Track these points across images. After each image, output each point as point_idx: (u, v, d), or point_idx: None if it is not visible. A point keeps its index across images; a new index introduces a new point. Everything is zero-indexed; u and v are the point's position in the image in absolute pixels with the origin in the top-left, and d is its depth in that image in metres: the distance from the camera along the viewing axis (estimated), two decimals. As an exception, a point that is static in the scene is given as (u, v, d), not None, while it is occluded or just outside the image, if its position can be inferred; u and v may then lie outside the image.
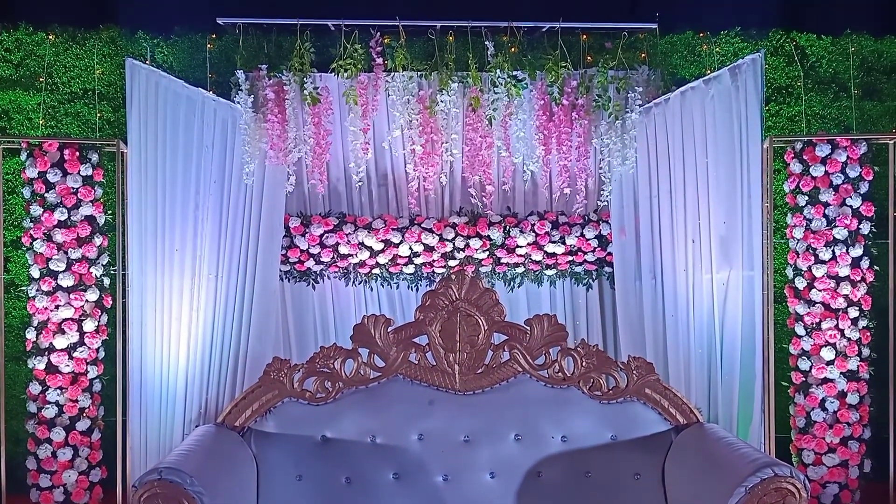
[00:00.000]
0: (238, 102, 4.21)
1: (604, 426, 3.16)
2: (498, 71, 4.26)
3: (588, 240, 4.44)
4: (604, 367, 3.21)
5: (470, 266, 4.45)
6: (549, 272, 4.54)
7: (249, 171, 4.21)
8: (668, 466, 3.08)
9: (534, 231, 4.43)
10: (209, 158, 4.23)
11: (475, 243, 4.44)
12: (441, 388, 3.24)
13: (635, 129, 4.24)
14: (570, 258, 4.47)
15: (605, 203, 4.38)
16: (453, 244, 4.45)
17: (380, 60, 4.25)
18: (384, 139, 4.37)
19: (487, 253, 4.46)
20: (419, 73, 4.33)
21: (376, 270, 4.53)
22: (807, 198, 4.23)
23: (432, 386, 3.24)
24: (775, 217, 4.35)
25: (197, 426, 4.14)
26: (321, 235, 4.42)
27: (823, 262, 4.16)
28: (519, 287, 4.57)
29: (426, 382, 3.24)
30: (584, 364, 3.21)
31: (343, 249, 4.44)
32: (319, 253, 4.45)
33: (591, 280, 4.58)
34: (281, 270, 4.43)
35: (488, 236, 4.44)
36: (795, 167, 4.25)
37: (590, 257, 4.48)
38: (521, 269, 4.53)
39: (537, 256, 4.45)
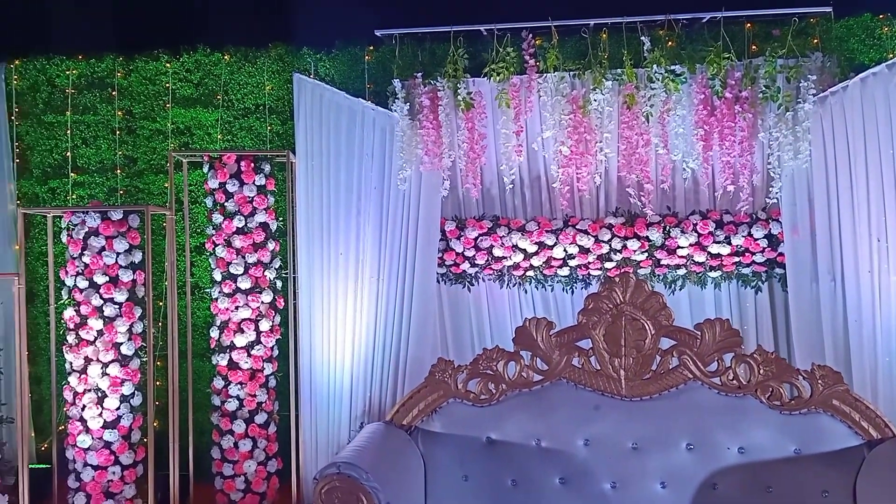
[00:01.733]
0: (395, 110, 4.35)
1: (786, 438, 2.97)
2: (655, 66, 4.13)
3: (756, 239, 4.20)
4: (784, 376, 3.02)
5: (627, 268, 4.34)
6: (714, 274, 4.34)
7: (404, 176, 4.33)
8: (860, 484, 2.85)
9: (696, 231, 4.25)
10: (369, 166, 4.39)
11: (633, 244, 4.33)
12: (607, 394, 3.18)
13: (809, 121, 3.97)
14: (736, 259, 4.26)
15: (775, 200, 4.13)
16: (609, 246, 4.36)
17: (532, 62, 4.24)
18: (535, 141, 4.35)
19: (646, 254, 4.34)
20: (571, 72, 4.29)
21: (530, 273, 4.53)
22: None
23: (597, 391, 3.19)
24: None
25: (362, 423, 4.34)
26: (475, 238, 4.48)
27: None
28: (680, 290, 4.40)
29: (591, 387, 3.20)
30: (761, 372, 3.03)
31: (497, 252, 4.47)
32: (474, 256, 4.50)
33: (760, 282, 4.33)
34: (437, 273, 4.53)
35: (647, 237, 4.31)
36: None
37: (758, 258, 4.24)
38: (682, 271, 4.37)
39: (700, 258, 4.27)
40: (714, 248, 4.24)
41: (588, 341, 3.22)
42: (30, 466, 4.14)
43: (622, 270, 4.34)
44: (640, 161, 4.23)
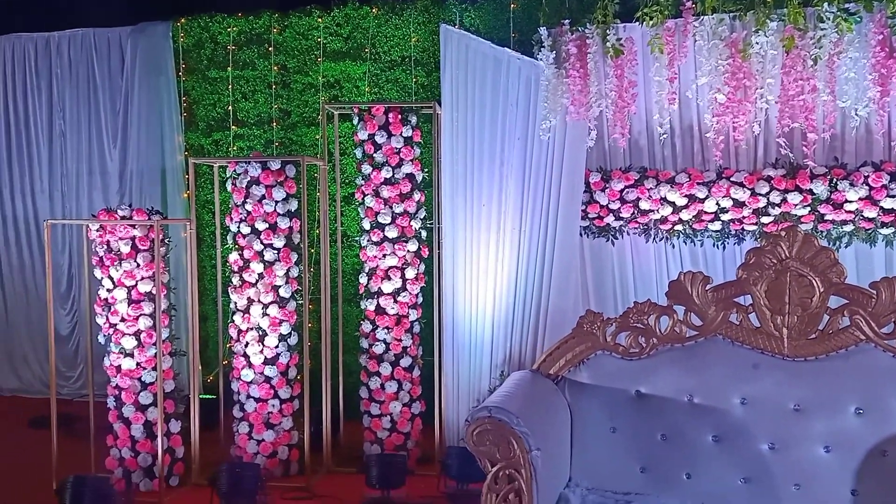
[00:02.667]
0: (540, 59, 4.27)
1: (969, 408, 2.75)
2: (826, 5, 3.80)
3: (938, 193, 3.85)
4: (971, 341, 2.78)
5: (786, 223, 4.10)
6: (885, 231, 4.02)
7: (548, 126, 4.27)
8: None
9: (867, 184, 3.94)
10: (514, 116, 4.36)
11: (794, 198, 4.08)
12: (767, 352, 3.04)
13: None
14: (913, 215, 3.92)
15: (963, 150, 3.75)
16: (767, 199, 4.13)
17: (689, 4, 4.01)
18: (689, 88, 4.15)
19: (808, 209, 4.08)
20: (731, 14, 4.03)
21: (679, 227, 4.38)
22: None
23: (756, 349, 3.06)
24: None
25: (502, 372, 4.42)
26: (621, 191, 4.37)
27: None
28: (846, 247, 4.12)
29: (749, 345, 3.07)
30: (945, 336, 2.80)
31: (644, 205, 4.35)
32: (619, 208, 4.40)
33: (939, 240, 3.99)
34: (580, 226, 4.47)
35: (810, 190, 4.05)
36: None
37: (939, 213, 3.89)
38: (849, 228, 4.08)
39: (871, 213, 3.97)
40: (887, 203, 3.92)
41: (747, 297, 3.08)
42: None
43: (780, 225, 4.11)
44: (805, 108, 3.94)
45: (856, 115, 3.91)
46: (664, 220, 4.36)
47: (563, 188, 4.36)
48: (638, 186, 4.34)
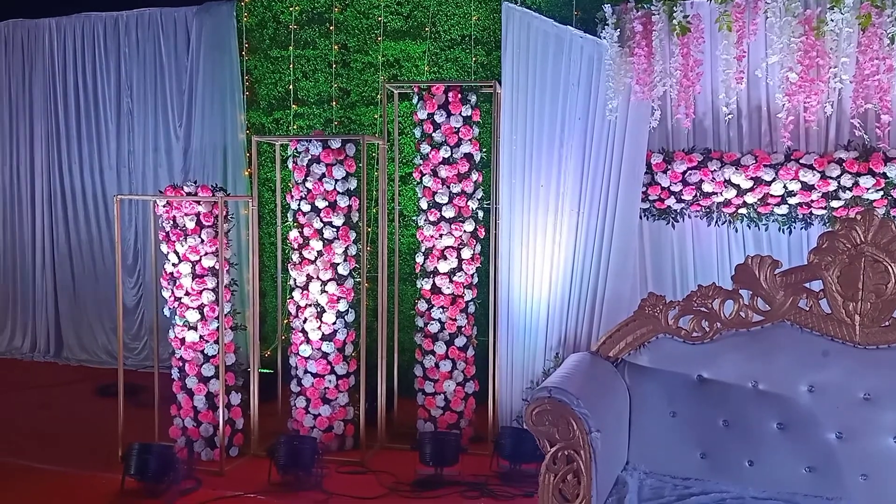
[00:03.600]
0: (604, 38, 4.20)
1: None
2: (907, -21, 3.63)
3: None
4: None
5: (857, 207, 3.95)
6: (965, 216, 3.85)
7: (613, 107, 4.20)
8: None
9: (947, 168, 3.77)
10: (574, 96, 4.30)
11: (866, 182, 3.93)
12: (837, 339, 2.95)
13: None
14: None
15: None
16: (838, 182, 3.99)
17: (761, -21, 3.89)
18: (758, 67, 4.02)
19: (882, 193, 3.92)
20: (807, -11, 3.89)
21: (743, 210, 4.27)
22: None
23: (826, 336, 2.97)
24: None
25: (557, 354, 4.40)
26: (684, 173, 4.27)
27: None
28: (921, 233, 3.95)
29: (818, 331, 2.98)
30: None
31: (707, 187, 4.24)
32: (681, 191, 4.31)
33: None
34: (640, 208, 4.40)
35: (884, 174, 3.90)
36: None
37: None
38: (925, 213, 3.92)
39: (950, 198, 3.80)
40: (968, 188, 3.75)
41: (818, 283, 2.99)
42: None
43: (851, 210, 3.97)
44: (880, 89, 3.78)
45: (936, 96, 3.74)
46: (728, 202, 4.25)
47: (624, 170, 4.29)
48: (701, 168, 4.24)
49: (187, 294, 4.34)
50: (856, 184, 3.96)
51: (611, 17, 4.19)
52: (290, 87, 5.42)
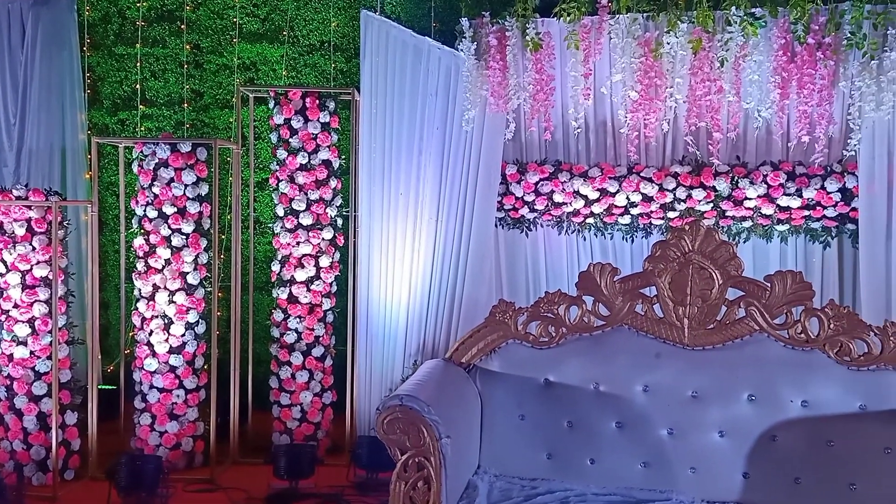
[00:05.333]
0: (461, 50, 4.28)
1: (851, 394, 2.91)
2: (733, 8, 3.95)
3: (829, 193, 4.06)
4: (855, 331, 2.95)
5: (691, 218, 4.25)
6: (781, 227, 4.23)
7: (469, 117, 4.28)
8: (926, 444, 2.80)
9: (766, 182, 4.13)
10: (433, 105, 4.35)
11: (698, 194, 4.23)
12: (668, 342, 3.15)
13: (895, 70, 3.77)
14: (806, 213, 4.13)
15: (853, 153, 3.97)
16: (674, 195, 4.27)
17: (604, 2, 4.09)
18: (603, 85, 4.25)
19: (711, 205, 4.24)
20: (645, 13, 4.14)
21: (590, 220, 4.48)
22: None
23: (659, 338, 3.17)
24: None
25: (415, 361, 4.41)
26: (536, 183, 4.43)
27: None
28: (745, 242, 4.31)
29: (653, 334, 3.18)
30: (831, 326, 2.96)
31: (557, 198, 4.41)
32: (534, 201, 4.46)
33: (829, 237, 4.21)
34: (496, 217, 4.51)
35: (713, 187, 4.21)
36: None
37: (830, 212, 4.11)
38: (748, 224, 4.27)
39: (768, 210, 4.16)
40: (784, 201, 4.12)
41: (652, 289, 3.18)
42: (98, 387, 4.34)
43: (685, 220, 4.26)
44: (712, 108, 4.09)
45: (758, 116, 4.08)
46: (576, 212, 4.44)
47: (480, 179, 4.38)
48: (552, 179, 4.40)
49: (16, 306, 4.00)
50: (689, 196, 4.25)
51: (468, 31, 4.27)
52: (137, 86, 5.13)
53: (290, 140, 4.46)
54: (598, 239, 4.55)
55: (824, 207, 4.10)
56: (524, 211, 4.51)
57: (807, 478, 2.93)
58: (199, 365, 4.42)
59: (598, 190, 4.35)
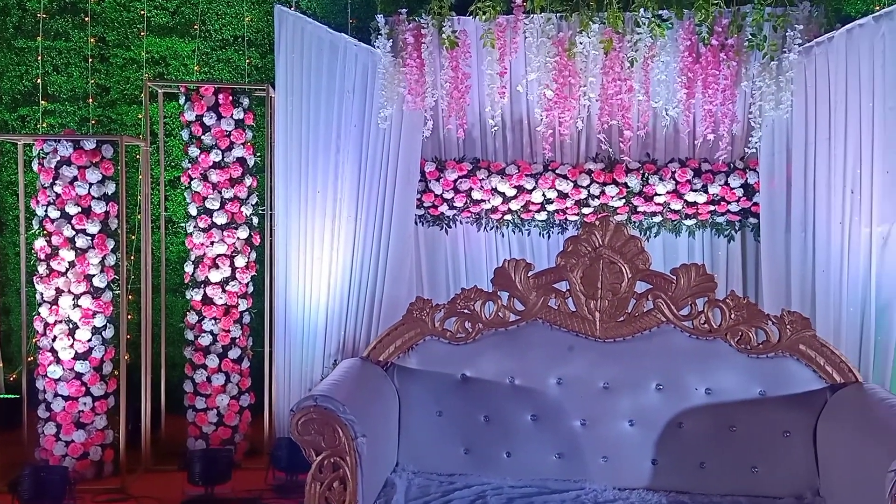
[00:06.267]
0: (377, 47, 4.25)
1: (752, 381, 3.05)
2: (642, 10, 4.06)
3: (733, 189, 4.23)
4: (754, 321, 3.09)
5: (604, 214, 4.36)
6: (689, 222, 4.38)
7: (385, 115, 4.26)
8: (821, 426, 2.94)
9: (674, 179, 4.27)
10: (350, 103, 4.32)
11: (611, 190, 4.34)
12: (581, 335, 3.22)
13: (792, 71, 3.95)
14: (711, 208, 4.29)
15: (754, 150, 4.15)
16: (588, 191, 4.37)
17: (519, 1, 4.14)
18: (519, 83, 4.30)
19: (623, 201, 4.35)
20: (558, 14, 4.21)
21: (508, 216, 4.53)
22: None
23: (572, 332, 3.23)
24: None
25: (335, 360, 4.37)
26: (455, 180, 4.45)
27: None
28: (655, 237, 4.45)
29: (566, 328, 3.24)
30: (732, 316, 3.09)
31: (476, 195, 4.45)
32: (453, 198, 4.48)
33: (733, 231, 4.39)
34: (416, 214, 4.50)
35: (625, 183, 4.32)
36: (976, 112, 3.86)
37: (733, 207, 4.28)
38: (658, 219, 4.40)
39: (677, 205, 4.30)
40: (691, 197, 4.26)
41: (565, 283, 3.25)
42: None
43: (599, 216, 4.37)
44: (622, 107, 4.20)
45: (666, 114, 4.21)
46: (495, 209, 4.49)
47: (399, 177, 4.37)
48: (471, 177, 4.43)
49: None
50: (602, 192, 4.35)
51: (384, 28, 4.25)
52: (39, 81, 4.89)
53: (203, 137, 4.34)
54: (516, 235, 4.61)
55: (728, 203, 4.27)
56: (443, 208, 4.53)
57: (711, 462, 3.05)
58: (107, 371, 4.25)
59: (515, 187, 4.40)
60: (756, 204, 4.22)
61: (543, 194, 4.39)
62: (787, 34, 3.97)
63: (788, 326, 3.06)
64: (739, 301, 3.11)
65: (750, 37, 4.03)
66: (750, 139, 4.12)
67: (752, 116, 4.11)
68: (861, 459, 2.61)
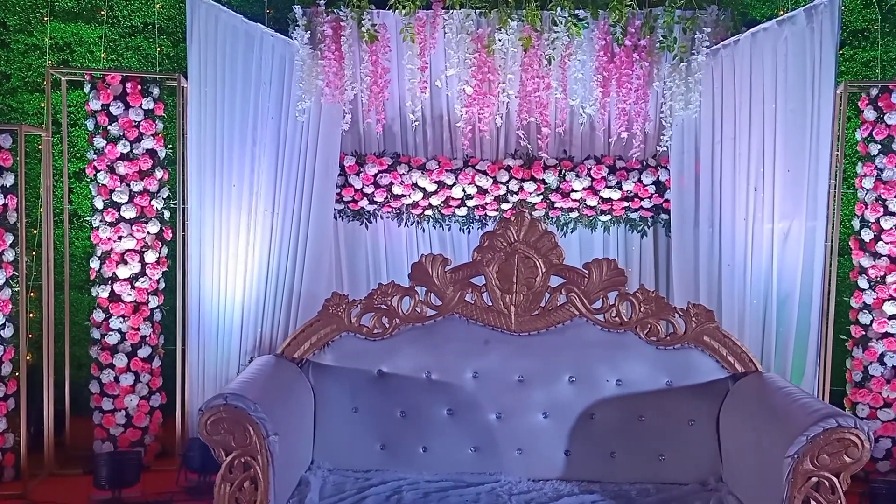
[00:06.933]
0: (295, 38, 4.18)
1: (659, 372, 3.14)
2: (559, 9, 4.13)
3: (645, 185, 4.36)
4: (662, 313, 3.18)
5: (523, 210, 4.40)
6: (604, 218, 4.48)
7: (303, 108, 4.20)
8: (723, 414, 3.06)
9: (590, 175, 4.36)
10: (267, 95, 4.22)
11: (529, 186, 4.39)
12: (497, 329, 3.25)
13: (701, 72, 4.10)
14: (625, 204, 4.41)
15: (665, 148, 4.28)
16: (507, 187, 4.41)
17: (439, -4, 4.15)
18: (439, 78, 4.30)
19: (541, 197, 4.41)
20: (478, 10, 4.23)
21: (429, 212, 4.53)
22: (879, 146, 4.07)
23: (488, 326, 3.26)
24: (844, 167, 4.21)
25: (251, 358, 4.27)
26: (375, 175, 4.42)
27: (893, 213, 4.03)
28: (572, 232, 4.53)
29: (482, 322, 3.26)
30: (642, 309, 3.18)
31: (397, 190, 4.43)
32: (373, 193, 4.45)
33: (646, 227, 4.52)
34: (335, 209, 4.45)
35: (543, 180, 4.39)
36: (869, 114, 4.09)
37: (646, 204, 4.41)
38: (574, 214, 4.49)
39: (592, 201, 4.39)
40: (606, 193, 4.37)
41: (482, 278, 3.27)
42: None
43: (518, 211, 4.41)
44: (540, 104, 4.26)
45: (583, 112, 4.29)
46: (415, 204, 4.48)
47: (318, 171, 4.31)
48: (391, 171, 4.41)
49: None
50: (521, 188, 4.41)
51: (301, 19, 4.18)
52: (-72, 65, 4.60)
53: (110, 127, 4.16)
54: (436, 230, 4.61)
55: (641, 199, 4.39)
56: (364, 203, 4.49)
57: (621, 451, 3.13)
58: (6, 372, 4.03)
59: (435, 182, 4.41)
60: (667, 200, 4.36)
61: (463, 190, 4.41)
62: (695, 36, 4.10)
63: (694, 319, 3.16)
64: (648, 294, 3.20)
65: (661, 38, 4.15)
66: (661, 137, 4.25)
67: (663, 115, 4.24)
68: (760, 446, 2.73)
